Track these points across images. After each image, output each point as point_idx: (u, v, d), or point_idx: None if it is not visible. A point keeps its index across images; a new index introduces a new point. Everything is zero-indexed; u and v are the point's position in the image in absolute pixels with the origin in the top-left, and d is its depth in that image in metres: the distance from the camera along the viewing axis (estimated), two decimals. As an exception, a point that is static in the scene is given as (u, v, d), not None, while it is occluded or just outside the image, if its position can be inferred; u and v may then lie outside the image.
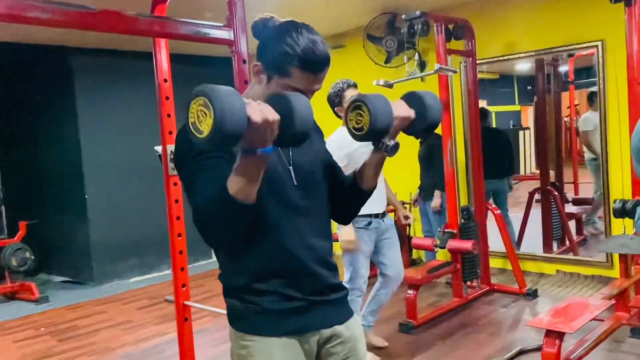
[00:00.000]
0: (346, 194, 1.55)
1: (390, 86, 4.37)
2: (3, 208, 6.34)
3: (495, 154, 5.19)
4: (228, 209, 1.16)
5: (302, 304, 1.38)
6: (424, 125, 1.41)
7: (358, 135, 1.34)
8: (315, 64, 1.32)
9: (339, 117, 3.22)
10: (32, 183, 6.51)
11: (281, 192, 1.37)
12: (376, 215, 3.37)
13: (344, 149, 3.12)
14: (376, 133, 1.33)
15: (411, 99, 1.41)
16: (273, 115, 1.10)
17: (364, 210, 3.08)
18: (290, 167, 1.41)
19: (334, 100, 3.23)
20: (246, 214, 1.18)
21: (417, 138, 1.27)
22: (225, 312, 1.46)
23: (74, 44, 5.65)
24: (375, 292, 3.52)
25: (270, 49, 1.34)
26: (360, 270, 3.33)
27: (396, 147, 1.38)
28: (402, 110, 1.37)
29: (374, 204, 3.19)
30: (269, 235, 1.36)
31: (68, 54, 5.74)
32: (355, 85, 3.23)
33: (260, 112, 1.07)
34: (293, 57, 1.30)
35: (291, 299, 1.37)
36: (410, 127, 1.40)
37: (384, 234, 3.43)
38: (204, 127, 1.05)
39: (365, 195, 1.54)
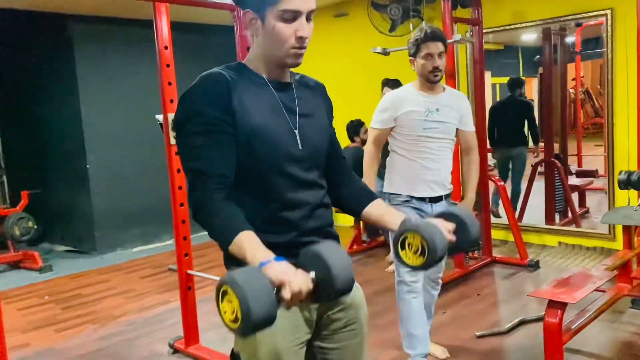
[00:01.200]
0: (334, 185, 1.52)
1: (387, 54, 4.30)
2: (5, 177, 6.35)
3: (518, 123, 5.68)
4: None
5: None
6: (464, 247, 1.42)
7: (411, 265, 1.31)
8: None
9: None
10: (33, 152, 6.49)
11: (286, 156, 1.34)
12: (421, 199, 2.72)
13: (393, 110, 2.69)
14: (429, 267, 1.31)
15: (449, 218, 1.40)
16: (304, 285, 1.09)
17: (402, 188, 2.72)
18: (296, 131, 1.37)
19: (410, 49, 2.68)
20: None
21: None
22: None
23: (72, 11, 5.56)
24: None
25: None
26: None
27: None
28: (448, 236, 1.34)
29: (422, 184, 2.70)
30: (273, 207, 1.34)
31: (67, 22, 5.65)
32: (439, 39, 2.61)
33: (292, 291, 1.07)
34: None
35: None
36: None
37: None
38: (232, 321, 1.04)
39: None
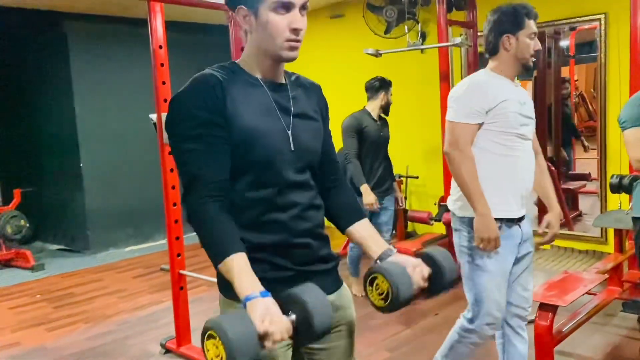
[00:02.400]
0: (322, 189, 1.50)
1: (379, 55, 4.29)
2: (-3, 176, 6.32)
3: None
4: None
5: (290, 274, 1.37)
6: (436, 292, 1.40)
7: (375, 304, 1.32)
8: None
9: (497, 48, 2.14)
10: (27, 151, 6.46)
11: (277, 158, 1.33)
12: (510, 220, 2.12)
13: (484, 100, 2.06)
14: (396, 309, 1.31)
15: (427, 261, 1.39)
16: (286, 334, 1.13)
17: (493, 208, 2.13)
18: (289, 132, 1.36)
19: (504, 25, 2.11)
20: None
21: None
22: (220, 282, 1.45)
23: (67, 9, 5.54)
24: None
25: None
26: (485, 303, 2.22)
27: None
28: (420, 283, 1.35)
29: (516, 201, 2.12)
30: (263, 209, 1.34)
31: (61, 20, 5.63)
32: (536, 17, 2.12)
33: (273, 338, 1.11)
34: None
35: (280, 268, 1.36)
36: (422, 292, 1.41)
37: (521, 248, 2.21)
38: None
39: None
